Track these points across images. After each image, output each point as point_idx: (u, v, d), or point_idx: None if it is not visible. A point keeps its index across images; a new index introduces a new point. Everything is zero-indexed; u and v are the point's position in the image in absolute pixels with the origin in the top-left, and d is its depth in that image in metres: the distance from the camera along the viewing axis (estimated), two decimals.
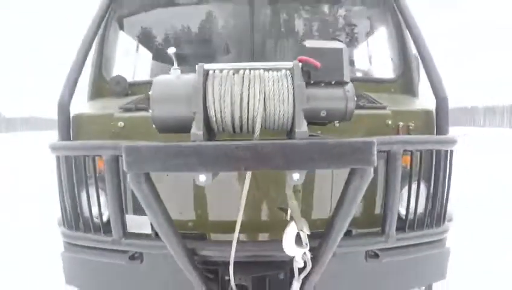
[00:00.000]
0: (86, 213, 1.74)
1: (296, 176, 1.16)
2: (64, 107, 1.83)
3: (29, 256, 3.93)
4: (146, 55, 2.63)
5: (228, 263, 1.47)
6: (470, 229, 3.89)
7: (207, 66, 1.25)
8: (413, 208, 1.72)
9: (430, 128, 1.87)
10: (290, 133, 1.28)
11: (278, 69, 1.30)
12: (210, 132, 1.30)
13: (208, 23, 2.35)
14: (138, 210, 1.66)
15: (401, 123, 1.79)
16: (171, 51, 1.42)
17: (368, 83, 2.22)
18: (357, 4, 2.37)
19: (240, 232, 1.45)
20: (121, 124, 1.79)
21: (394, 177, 1.59)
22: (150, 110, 1.29)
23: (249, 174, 1.32)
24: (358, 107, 1.54)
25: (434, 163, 1.73)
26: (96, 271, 1.80)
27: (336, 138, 1.33)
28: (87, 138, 1.83)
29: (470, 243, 3.51)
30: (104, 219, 1.69)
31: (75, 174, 1.69)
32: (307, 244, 1.35)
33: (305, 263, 1.38)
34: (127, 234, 1.66)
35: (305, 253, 1.37)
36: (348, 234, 1.58)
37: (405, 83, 2.18)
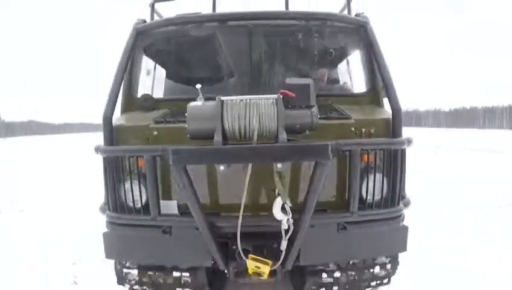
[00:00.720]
0: (127, 199, 2.26)
1: (279, 166, 1.86)
2: (107, 119, 2.33)
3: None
4: (162, 74, 3.22)
5: (235, 235, 2.02)
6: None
7: (223, 98, 1.89)
8: (372, 193, 2.24)
9: (387, 132, 2.38)
10: (276, 139, 1.87)
11: (267, 99, 1.91)
12: (225, 139, 1.89)
13: (216, 52, 2.87)
14: (166, 197, 2.29)
15: (363, 129, 2.32)
16: (198, 86, 2.05)
17: (343, 97, 2.81)
18: (336, 34, 2.86)
19: (243, 210, 1.97)
20: (155, 133, 2.32)
21: (355, 170, 2.13)
22: (186, 125, 1.92)
23: (250, 166, 1.92)
24: (330, 118, 2.30)
25: (389, 159, 2.23)
26: (134, 243, 2.29)
27: (309, 142, 1.99)
28: (126, 143, 2.36)
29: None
30: (143, 203, 2.22)
31: (118, 171, 2.20)
32: (289, 212, 1.94)
33: (289, 227, 1.97)
34: (160, 214, 2.19)
35: (288, 219, 1.94)
36: (321, 211, 2.21)
37: (373, 97, 2.73)
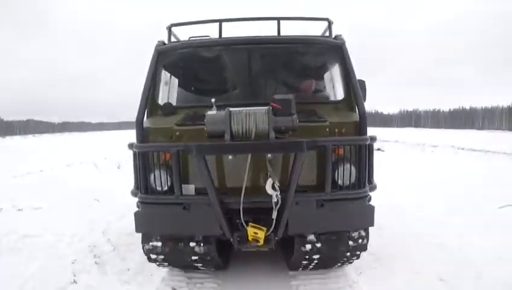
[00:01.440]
0: (155, 184, 2.90)
1: (269, 156, 2.75)
2: (139, 122, 3.04)
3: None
4: (175, 85, 3.89)
5: (239, 211, 2.77)
6: None
7: (231, 109, 2.62)
8: (343, 178, 2.86)
9: (356, 131, 3.02)
10: (267, 138, 2.59)
11: (261, 109, 2.64)
12: (232, 137, 2.60)
13: (222, 68, 3.64)
14: (185, 182, 2.93)
15: (336, 129, 2.97)
16: (213, 100, 2.83)
17: (324, 104, 3.45)
18: (318, 54, 3.61)
19: (244, 191, 2.74)
20: (177, 133, 3.00)
21: (328, 160, 2.75)
22: (201, 127, 2.73)
23: (249, 156, 2.73)
24: (310, 121, 2.94)
25: (355, 152, 2.86)
26: (160, 218, 2.93)
27: (291, 139, 2.69)
28: (155, 141, 3.05)
29: None
30: (167, 186, 2.89)
31: (148, 162, 2.87)
32: (277, 189, 2.70)
33: (278, 201, 2.71)
34: (182, 195, 2.83)
35: (277, 195, 2.70)
36: (304, 192, 2.86)
37: (347, 103, 3.38)
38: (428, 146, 20.52)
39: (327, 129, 2.94)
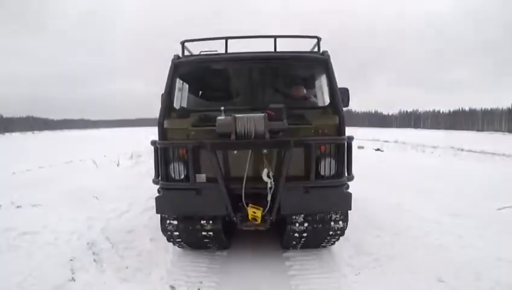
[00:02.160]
0: (173, 173, 3.54)
1: (266, 151, 3.42)
2: (161, 123, 3.68)
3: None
4: (186, 91, 4.44)
5: (241, 196, 3.42)
6: None
7: (236, 115, 3.26)
8: (324, 170, 3.49)
9: (336, 132, 3.61)
10: (264, 137, 3.25)
11: (259, 115, 3.27)
12: (237, 137, 3.26)
13: (227, 79, 4.29)
14: (198, 172, 3.51)
15: (320, 130, 3.59)
16: (222, 108, 3.44)
17: (312, 109, 3.97)
18: (308, 66, 4.25)
19: (246, 179, 3.39)
20: (192, 132, 3.63)
21: (312, 155, 3.36)
22: (212, 128, 3.33)
23: (250, 151, 3.41)
24: (299, 124, 3.54)
25: (335, 149, 3.50)
26: (176, 201, 3.53)
27: (282, 138, 3.36)
28: (172, 139, 3.67)
29: None
30: (183, 175, 3.52)
31: (168, 156, 3.53)
32: (271, 177, 3.35)
33: (271, 186, 3.36)
34: (195, 182, 3.47)
35: (271, 181, 3.35)
36: (294, 180, 3.42)
37: (332, 108, 3.77)
38: (428, 147, 20.55)
39: (312, 130, 3.58)
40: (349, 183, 3.68)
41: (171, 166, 3.52)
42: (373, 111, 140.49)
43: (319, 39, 4.18)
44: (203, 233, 3.68)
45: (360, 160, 12.71)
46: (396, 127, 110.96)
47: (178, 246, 4.06)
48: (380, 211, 5.66)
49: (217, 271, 3.75)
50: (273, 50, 4.18)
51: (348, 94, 4.20)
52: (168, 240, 3.90)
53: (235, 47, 4.18)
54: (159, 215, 3.72)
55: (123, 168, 10.37)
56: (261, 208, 3.40)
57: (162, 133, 3.67)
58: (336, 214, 3.65)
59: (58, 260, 3.83)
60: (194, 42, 4.22)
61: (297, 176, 3.49)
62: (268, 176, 3.34)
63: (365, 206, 5.93)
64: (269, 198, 3.37)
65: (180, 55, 4.12)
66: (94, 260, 3.89)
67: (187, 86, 4.39)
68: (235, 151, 3.48)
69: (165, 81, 3.87)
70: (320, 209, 3.54)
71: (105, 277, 3.59)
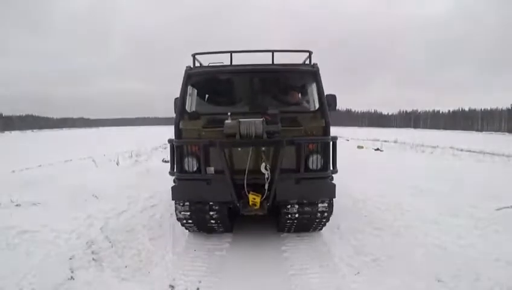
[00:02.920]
0: (187, 167, 4.15)
1: (264, 148, 4.05)
2: (177, 124, 4.32)
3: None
4: (195, 96, 5.00)
5: (243, 185, 4.02)
6: None
7: (240, 119, 3.93)
8: (312, 164, 4.09)
9: (323, 133, 4.23)
10: (262, 137, 3.90)
11: (259, 119, 3.92)
12: (240, 137, 3.90)
13: (231, 86, 4.84)
14: (207, 165, 4.10)
15: (309, 131, 4.22)
16: (228, 112, 4.04)
17: (303, 113, 4.50)
18: (300, 76, 4.89)
19: (247, 171, 4.03)
20: (203, 133, 4.23)
21: (302, 152, 4.02)
22: (223, 130, 3.92)
23: (251, 148, 4.04)
24: (291, 126, 4.14)
25: (322, 147, 4.11)
26: (189, 189, 4.14)
27: (277, 138, 3.96)
28: (186, 138, 4.29)
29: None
30: (196, 168, 4.12)
31: (182, 152, 4.15)
32: (268, 169, 3.96)
33: (268, 177, 3.97)
34: (206, 173, 4.08)
35: (268, 173, 3.96)
36: (287, 172, 4.03)
37: (320, 113, 4.38)
38: (428, 147, 20.55)
39: (302, 131, 4.21)
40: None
41: (186, 160, 4.14)
42: (373, 111, 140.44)
43: (310, 53, 4.80)
44: (211, 217, 4.27)
45: (360, 160, 12.72)
46: (396, 127, 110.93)
47: (189, 230, 4.68)
48: (380, 211, 5.67)
49: (216, 271, 3.76)
50: (270, 62, 4.81)
51: (336, 100, 4.72)
52: (182, 224, 4.51)
53: (239, 58, 4.81)
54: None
55: (122, 168, 10.36)
56: (260, 195, 4.02)
57: (178, 133, 4.31)
58: (323, 202, 4.23)
59: (58, 259, 3.83)
60: (197, 52, 4.83)
61: (290, 169, 4.09)
62: (266, 169, 3.98)
63: (365, 207, 5.94)
64: (266, 187, 4.02)
65: (192, 66, 4.73)
66: (93, 259, 3.89)
67: (196, 91, 4.98)
68: (239, 149, 4.09)
69: (180, 88, 4.53)
70: (309, 197, 4.14)
71: (104, 276, 3.59)
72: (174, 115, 4.51)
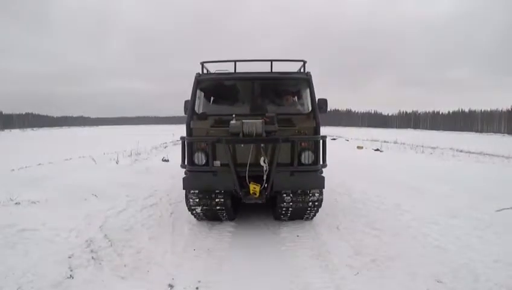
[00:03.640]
0: (197, 160, 4.75)
1: (263, 145, 4.64)
2: (188, 124, 4.89)
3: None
4: (202, 98, 5.49)
5: (245, 176, 4.64)
6: None
7: (243, 120, 4.53)
8: (305, 159, 4.69)
9: (314, 132, 4.83)
10: (261, 136, 4.51)
11: (259, 120, 4.54)
12: (243, 135, 4.52)
13: (236, 91, 5.43)
14: (214, 159, 4.68)
15: (301, 131, 4.80)
16: (233, 114, 4.70)
17: (298, 115, 5.09)
18: (296, 83, 5.49)
19: (249, 164, 4.64)
20: (212, 131, 4.81)
21: (296, 149, 4.62)
22: (229, 129, 4.56)
23: (252, 145, 4.65)
24: (287, 126, 4.79)
25: (313, 144, 4.74)
26: (198, 180, 4.69)
27: (275, 136, 4.58)
28: (196, 135, 4.87)
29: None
30: (204, 161, 4.72)
31: (192, 148, 4.78)
32: (266, 163, 4.60)
33: (266, 169, 4.59)
34: (213, 166, 4.65)
35: (266, 166, 4.58)
36: (283, 166, 4.64)
37: (312, 115, 4.99)
38: (427, 148, 20.55)
39: (296, 131, 4.81)
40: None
41: (195, 155, 4.74)
42: (373, 111, 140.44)
43: (304, 62, 5.49)
44: (217, 204, 4.81)
45: (360, 160, 12.73)
46: (396, 128, 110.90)
47: (197, 218, 5.21)
48: (379, 211, 5.67)
49: (216, 270, 3.75)
50: (269, 70, 5.50)
51: (327, 103, 5.37)
52: (191, 212, 5.03)
53: (242, 67, 5.50)
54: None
55: (122, 166, 10.34)
56: (259, 185, 4.59)
57: (189, 131, 4.90)
58: (313, 193, 4.78)
59: (57, 257, 3.82)
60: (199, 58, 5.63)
61: (285, 163, 4.71)
62: (265, 163, 4.57)
63: (364, 207, 5.94)
64: (265, 178, 4.60)
65: (200, 73, 5.39)
66: (92, 258, 3.89)
67: (204, 95, 5.53)
68: (242, 145, 4.65)
69: (191, 92, 5.18)
70: (301, 187, 4.71)
71: (103, 274, 3.58)
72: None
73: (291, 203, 4.78)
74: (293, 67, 5.75)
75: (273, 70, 5.46)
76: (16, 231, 4.45)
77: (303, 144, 4.68)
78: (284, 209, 4.88)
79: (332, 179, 8.20)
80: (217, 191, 4.74)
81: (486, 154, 17.44)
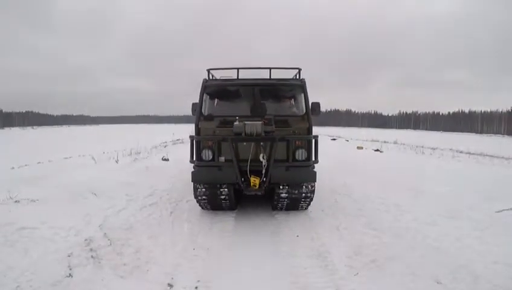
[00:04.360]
0: (204, 156, 5.32)
1: (262, 143, 5.28)
2: (197, 125, 5.55)
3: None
4: (207, 101, 6.01)
5: (246, 170, 5.22)
6: None
7: (245, 122, 5.11)
8: (299, 156, 5.27)
9: (307, 132, 5.46)
10: (261, 135, 5.12)
11: (259, 122, 5.14)
12: (245, 135, 5.10)
13: (238, 95, 6.02)
14: (220, 155, 5.32)
15: (296, 131, 5.44)
16: (237, 116, 5.30)
17: (294, 116, 5.68)
18: (292, 88, 6.01)
19: (250, 160, 5.24)
20: (217, 131, 5.45)
21: (291, 147, 5.24)
22: (233, 129, 5.15)
23: (253, 143, 5.26)
24: (283, 126, 5.45)
25: (306, 143, 5.33)
26: (205, 173, 5.27)
27: (272, 135, 5.19)
28: (204, 135, 5.49)
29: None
30: (210, 157, 5.32)
31: (200, 145, 5.36)
32: (265, 159, 5.17)
33: (265, 165, 5.17)
34: (218, 161, 5.29)
35: (265, 162, 5.16)
36: (279, 161, 5.22)
37: (306, 117, 5.60)
38: (427, 148, 20.55)
39: (291, 131, 5.42)
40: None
41: (203, 152, 5.29)
42: (373, 112, 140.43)
43: (299, 70, 6.15)
44: (221, 195, 5.40)
45: (360, 161, 12.72)
46: (396, 128, 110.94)
47: (203, 207, 5.73)
48: (379, 212, 5.67)
49: (216, 269, 3.75)
50: (268, 77, 6.11)
51: (319, 106, 5.95)
52: (198, 202, 5.62)
53: (244, 73, 6.16)
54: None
55: (122, 165, 10.34)
56: (259, 178, 5.14)
57: (197, 131, 5.52)
58: (306, 186, 5.36)
59: (56, 256, 3.82)
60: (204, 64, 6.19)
61: (282, 159, 5.27)
62: (263, 159, 5.12)
63: (364, 207, 5.94)
64: (264, 172, 5.15)
65: (207, 78, 6.02)
66: (92, 257, 3.88)
67: (209, 98, 6.06)
68: (244, 143, 5.23)
69: (199, 96, 5.79)
70: (296, 180, 5.28)
71: (102, 273, 3.58)
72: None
73: (286, 195, 5.38)
74: (289, 74, 6.46)
75: (272, 78, 6.05)
76: (15, 230, 4.45)
77: (297, 142, 5.27)
78: (280, 200, 5.48)
79: (333, 180, 8.20)
80: (221, 183, 5.27)
81: (487, 155, 17.44)
